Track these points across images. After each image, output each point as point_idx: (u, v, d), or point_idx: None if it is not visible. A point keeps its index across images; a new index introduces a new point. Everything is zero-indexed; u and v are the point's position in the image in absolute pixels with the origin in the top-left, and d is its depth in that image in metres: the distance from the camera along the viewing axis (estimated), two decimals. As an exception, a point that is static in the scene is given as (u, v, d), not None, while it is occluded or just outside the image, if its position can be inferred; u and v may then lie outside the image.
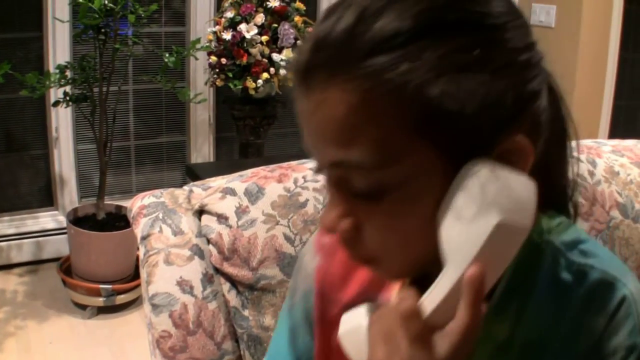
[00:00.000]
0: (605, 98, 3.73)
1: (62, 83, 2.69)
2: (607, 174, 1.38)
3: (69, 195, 3.35)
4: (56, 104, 2.80)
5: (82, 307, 2.87)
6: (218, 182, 1.20)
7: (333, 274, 0.81)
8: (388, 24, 0.58)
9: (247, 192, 1.16)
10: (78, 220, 2.94)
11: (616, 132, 3.79)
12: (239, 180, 1.19)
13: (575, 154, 0.73)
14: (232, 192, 1.16)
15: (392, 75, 0.57)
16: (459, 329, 0.58)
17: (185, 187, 1.22)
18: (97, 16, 2.56)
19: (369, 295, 0.74)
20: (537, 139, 0.64)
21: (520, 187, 0.60)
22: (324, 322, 0.79)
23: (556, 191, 0.73)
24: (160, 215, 1.16)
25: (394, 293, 0.74)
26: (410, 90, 0.57)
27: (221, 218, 1.13)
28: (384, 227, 0.62)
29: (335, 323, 0.73)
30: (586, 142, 1.50)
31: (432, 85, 0.56)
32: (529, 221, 0.59)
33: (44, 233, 3.27)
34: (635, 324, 0.65)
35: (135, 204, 1.19)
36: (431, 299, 0.61)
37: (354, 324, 0.66)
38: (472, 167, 0.59)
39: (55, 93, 2.97)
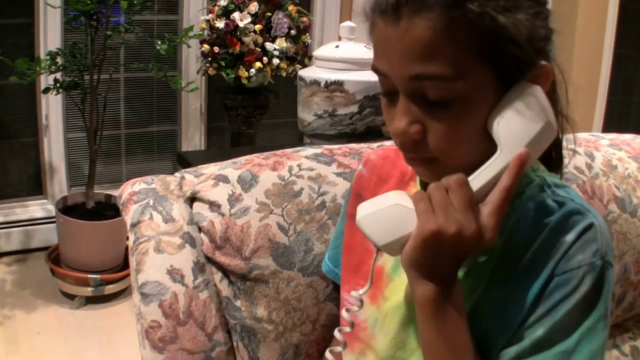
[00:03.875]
0: (599, 94, 3.74)
1: (52, 70, 2.65)
2: (605, 167, 1.36)
3: (59, 184, 3.31)
4: (46, 90, 2.76)
5: (71, 297, 2.84)
6: (211, 169, 1.18)
7: (368, 182, 1.02)
8: None
9: (241, 180, 1.13)
10: (67, 209, 2.90)
11: (609, 127, 3.80)
12: (232, 168, 1.16)
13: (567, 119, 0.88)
14: (225, 179, 1.14)
15: (473, 6, 0.71)
16: (500, 193, 0.73)
17: (177, 174, 1.20)
18: (89, 2, 2.53)
19: None
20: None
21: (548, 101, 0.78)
22: (353, 218, 0.86)
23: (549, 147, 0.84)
24: (151, 202, 1.13)
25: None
26: (486, 19, 0.71)
27: (213, 206, 1.11)
28: (448, 129, 0.76)
29: None
30: (584, 135, 1.48)
31: (501, 16, 0.72)
32: (556, 126, 0.78)
33: (33, 222, 3.23)
34: (598, 248, 0.76)
35: (125, 190, 1.17)
36: (480, 178, 0.76)
37: (372, 210, 0.78)
38: (523, 84, 0.77)
39: (46, 80, 2.93)
